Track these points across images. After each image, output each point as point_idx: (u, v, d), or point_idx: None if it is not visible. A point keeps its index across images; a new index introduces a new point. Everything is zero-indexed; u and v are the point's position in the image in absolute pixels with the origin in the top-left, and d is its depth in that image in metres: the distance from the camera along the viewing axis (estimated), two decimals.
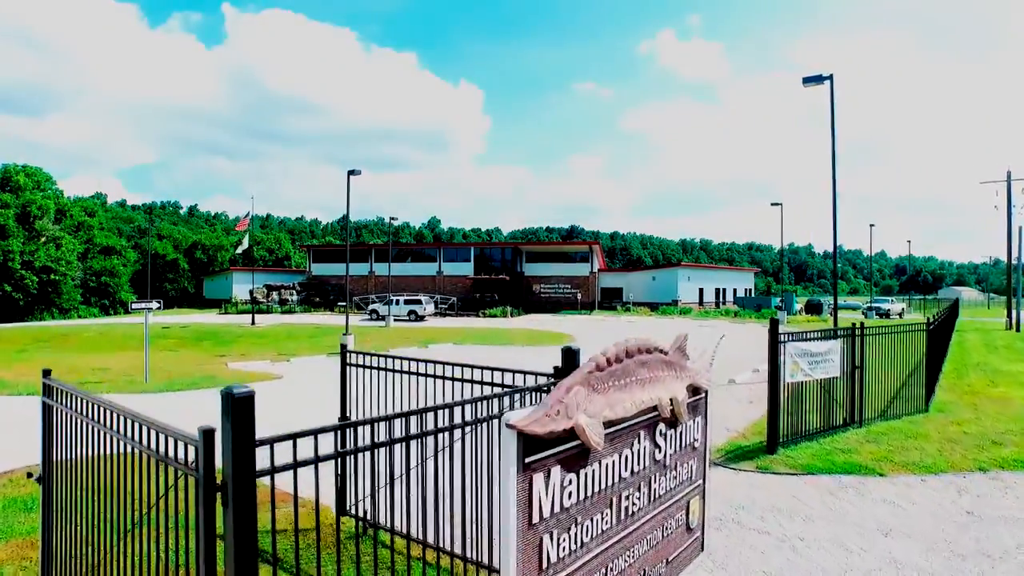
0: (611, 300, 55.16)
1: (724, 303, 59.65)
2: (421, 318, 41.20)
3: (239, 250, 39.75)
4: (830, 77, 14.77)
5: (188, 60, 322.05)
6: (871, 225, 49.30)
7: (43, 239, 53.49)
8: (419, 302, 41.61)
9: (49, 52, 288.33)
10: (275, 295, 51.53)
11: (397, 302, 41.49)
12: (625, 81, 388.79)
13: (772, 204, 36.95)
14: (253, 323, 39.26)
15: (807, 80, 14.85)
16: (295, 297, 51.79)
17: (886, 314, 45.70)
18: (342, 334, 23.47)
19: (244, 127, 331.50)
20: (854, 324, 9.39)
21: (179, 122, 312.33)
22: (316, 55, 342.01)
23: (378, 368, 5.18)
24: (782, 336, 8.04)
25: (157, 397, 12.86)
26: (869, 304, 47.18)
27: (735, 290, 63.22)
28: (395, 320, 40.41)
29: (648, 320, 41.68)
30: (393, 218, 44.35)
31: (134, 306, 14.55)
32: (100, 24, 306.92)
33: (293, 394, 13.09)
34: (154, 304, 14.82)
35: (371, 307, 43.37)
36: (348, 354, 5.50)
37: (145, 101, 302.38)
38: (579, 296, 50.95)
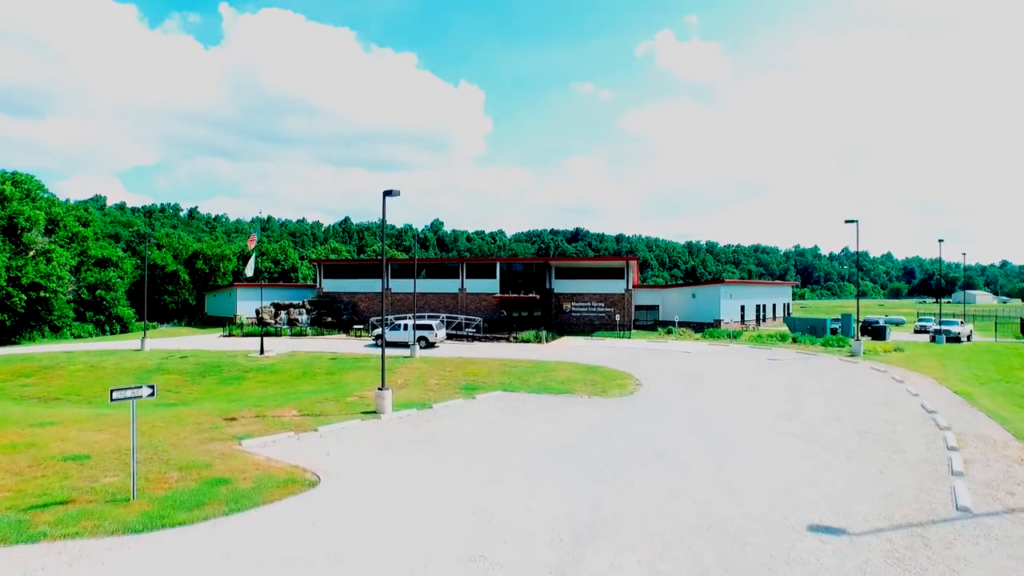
0: (646, 318, 51.02)
1: (764, 320, 55.55)
2: (432, 344, 37.06)
3: (247, 273, 35.62)
4: None
5: (187, 61, 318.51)
6: (940, 240, 45.10)
7: (32, 253, 49.36)
8: (430, 327, 37.33)
9: (48, 53, 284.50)
10: (283, 314, 47.33)
11: (406, 327, 37.23)
12: (624, 82, 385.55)
13: (847, 221, 32.78)
14: (262, 351, 35.15)
15: None
16: (305, 317, 47.58)
17: (956, 338, 41.42)
18: (377, 389, 19.28)
19: (244, 128, 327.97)
20: None
21: (179, 123, 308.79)
22: (315, 55, 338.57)
23: None
24: None
25: (145, 550, 8.60)
26: (937, 326, 42.81)
27: (774, 306, 59.13)
28: (396, 347, 35.96)
29: (701, 347, 37.48)
30: (414, 231, 40.28)
31: (115, 396, 10.40)
32: (99, 24, 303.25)
33: (351, 551, 8.87)
34: (144, 392, 10.68)
35: (376, 332, 39.16)
36: None
37: (144, 102, 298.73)
38: (617, 317, 46.72)
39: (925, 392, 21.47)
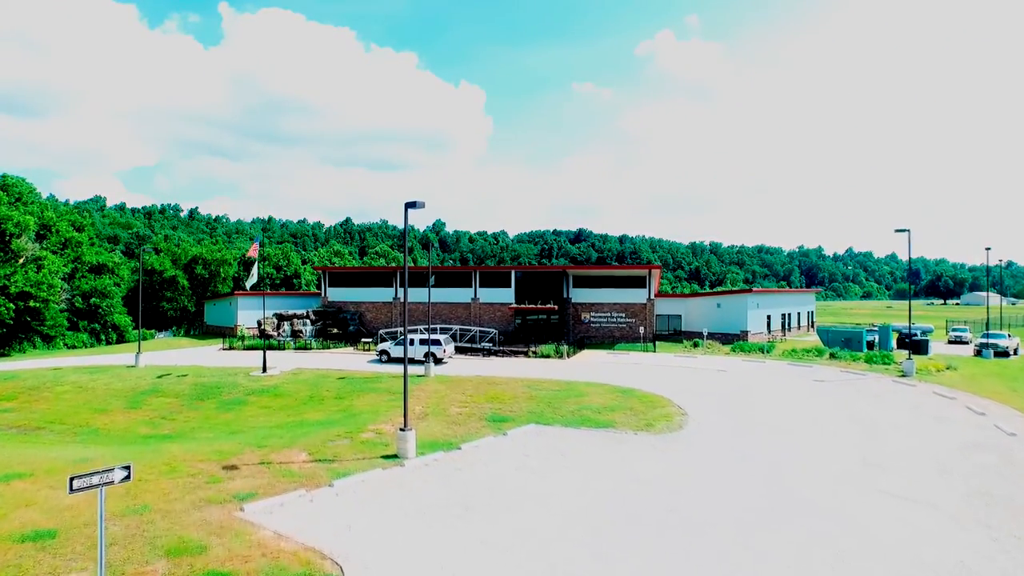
0: (667, 327, 48.53)
1: (789, 330, 53.02)
2: (440, 361, 34.44)
3: (249, 283, 33.17)
4: None
5: (187, 61, 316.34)
6: (987, 248, 42.55)
7: (22, 260, 46.85)
8: (437, 342, 34.67)
9: (48, 53, 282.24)
10: (286, 325, 44.80)
11: (412, 341, 34.65)
12: (624, 82, 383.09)
13: (897, 231, 30.34)
14: (264, 369, 32.69)
15: None
16: (309, 328, 45.05)
17: (1004, 352, 38.82)
18: (399, 430, 16.77)
19: (244, 128, 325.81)
20: None
21: (179, 123, 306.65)
22: (315, 55, 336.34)
23: None
24: None
25: None
26: (983, 339, 40.19)
27: (799, 314, 56.58)
28: (404, 363, 33.18)
29: (734, 363, 34.95)
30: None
31: (76, 484, 7.88)
32: (100, 25, 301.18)
33: None
34: (117, 476, 8.19)
35: (381, 347, 36.55)
36: None
37: (145, 102, 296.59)
38: (641, 329, 44.17)
39: (1022, 430, 18.95)
